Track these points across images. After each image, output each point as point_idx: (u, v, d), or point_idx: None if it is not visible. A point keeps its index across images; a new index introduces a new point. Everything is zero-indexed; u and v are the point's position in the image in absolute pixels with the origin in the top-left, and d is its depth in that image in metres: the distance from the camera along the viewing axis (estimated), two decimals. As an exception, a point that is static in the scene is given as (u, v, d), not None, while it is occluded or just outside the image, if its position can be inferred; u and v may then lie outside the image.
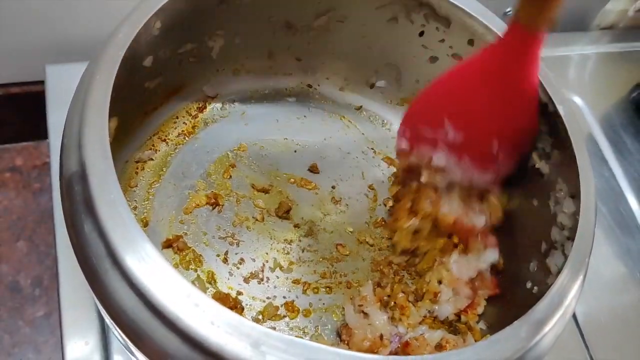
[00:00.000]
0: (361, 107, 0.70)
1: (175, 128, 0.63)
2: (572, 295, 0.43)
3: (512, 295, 0.56)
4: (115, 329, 0.38)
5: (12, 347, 0.78)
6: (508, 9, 0.87)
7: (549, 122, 0.54)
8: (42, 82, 0.72)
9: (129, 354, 0.50)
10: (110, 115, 0.42)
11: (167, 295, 0.35)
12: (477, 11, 0.56)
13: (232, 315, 0.36)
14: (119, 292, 0.37)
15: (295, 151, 0.66)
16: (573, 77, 0.89)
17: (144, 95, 0.58)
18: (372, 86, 0.70)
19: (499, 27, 0.56)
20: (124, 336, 0.37)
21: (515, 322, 0.40)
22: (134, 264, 0.36)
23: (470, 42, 0.59)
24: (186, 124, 0.64)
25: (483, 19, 0.56)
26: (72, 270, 0.59)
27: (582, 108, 0.85)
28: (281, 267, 0.58)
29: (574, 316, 0.68)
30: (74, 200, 0.40)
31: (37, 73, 0.75)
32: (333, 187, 0.65)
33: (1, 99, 0.84)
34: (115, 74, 0.43)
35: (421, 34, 0.62)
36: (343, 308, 0.57)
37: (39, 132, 0.72)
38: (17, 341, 0.79)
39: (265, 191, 0.62)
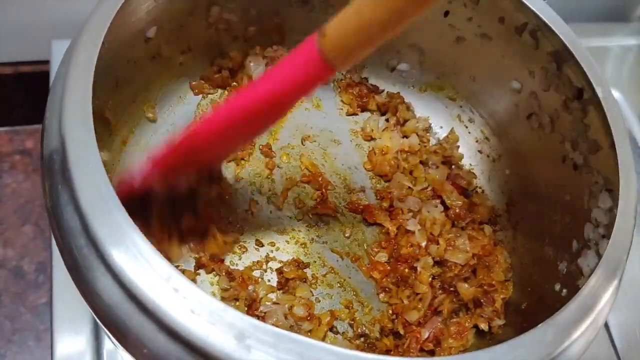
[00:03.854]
0: (383, 91, 0.66)
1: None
2: (606, 299, 0.39)
3: (538, 300, 0.52)
4: (91, 312, 0.35)
5: (12, 333, 0.76)
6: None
7: (584, 108, 0.49)
8: (51, 61, 0.70)
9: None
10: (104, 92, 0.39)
11: (143, 276, 0.32)
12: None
13: (215, 303, 0.32)
14: (93, 272, 0.33)
15: (309, 135, 0.62)
16: (612, 69, 0.84)
17: (151, 70, 0.55)
18: (392, 69, 0.65)
19: (532, 1, 0.51)
20: (97, 319, 0.34)
21: (541, 324, 0.36)
22: (108, 240, 0.32)
23: (501, 20, 0.54)
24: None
25: (515, -6, 0.51)
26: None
27: (620, 102, 0.80)
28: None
29: (607, 328, 0.63)
30: (53, 173, 0.37)
31: (48, 52, 0.73)
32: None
33: (11, 79, 0.82)
34: (103, 37, 0.40)
35: (446, 13, 0.58)
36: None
37: (50, 114, 0.69)
38: (17, 328, 0.76)
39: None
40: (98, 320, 0.34)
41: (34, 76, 0.81)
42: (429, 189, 0.60)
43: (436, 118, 0.65)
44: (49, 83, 0.69)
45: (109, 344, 0.53)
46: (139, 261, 0.32)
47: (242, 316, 0.31)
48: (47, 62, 0.78)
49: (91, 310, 0.34)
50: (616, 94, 0.80)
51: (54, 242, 0.55)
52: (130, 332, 0.33)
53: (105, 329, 0.34)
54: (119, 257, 0.32)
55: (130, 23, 0.45)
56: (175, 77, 0.59)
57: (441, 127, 0.65)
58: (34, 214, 0.83)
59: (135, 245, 0.32)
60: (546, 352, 0.35)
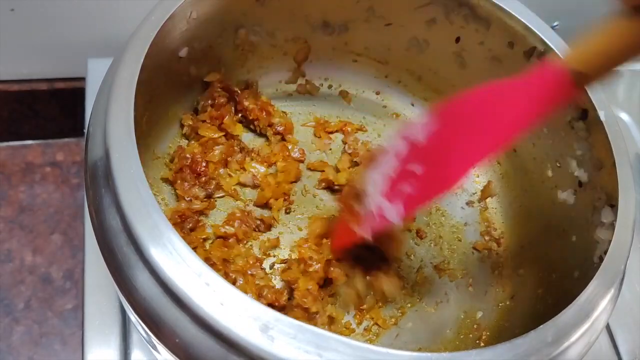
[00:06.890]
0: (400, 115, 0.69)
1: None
2: (604, 305, 0.41)
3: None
4: (127, 306, 0.38)
5: (39, 337, 0.79)
6: (555, 23, 0.85)
7: (588, 128, 0.52)
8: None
9: (147, 343, 0.50)
10: (141, 106, 0.43)
11: (178, 272, 0.35)
12: (518, 11, 0.54)
13: (242, 296, 0.35)
14: (132, 269, 0.37)
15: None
16: (622, 94, 0.85)
17: (180, 87, 0.58)
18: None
19: (539, 27, 0.54)
20: (134, 313, 0.37)
21: (541, 326, 0.38)
22: (147, 239, 0.36)
23: (510, 45, 0.57)
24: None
25: (524, 19, 0.54)
26: (98, 264, 0.58)
27: (630, 126, 0.82)
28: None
29: (617, 353, 0.63)
30: (97, 179, 0.40)
31: (83, 69, 0.76)
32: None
33: (46, 94, 0.85)
34: (144, 55, 0.43)
35: (457, 39, 0.61)
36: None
37: (82, 128, 0.72)
38: (45, 331, 0.79)
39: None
40: (134, 314, 0.37)
41: (68, 92, 0.84)
42: None
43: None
44: (82, 99, 0.72)
45: (137, 354, 0.55)
46: (174, 258, 0.35)
47: (266, 309, 0.34)
48: (80, 79, 0.82)
49: (128, 304, 0.37)
50: (626, 117, 0.83)
51: (87, 256, 0.59)
52: (164, 323, 0.36)
53: (140, 321, 0.37)
54: (156, 254, 0.35)
55: (166, 43, 0.49)
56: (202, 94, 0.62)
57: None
58: (63, 223, 0.86)
59: (171, 244, 0.36)
60: (547, 352, 0.37)
